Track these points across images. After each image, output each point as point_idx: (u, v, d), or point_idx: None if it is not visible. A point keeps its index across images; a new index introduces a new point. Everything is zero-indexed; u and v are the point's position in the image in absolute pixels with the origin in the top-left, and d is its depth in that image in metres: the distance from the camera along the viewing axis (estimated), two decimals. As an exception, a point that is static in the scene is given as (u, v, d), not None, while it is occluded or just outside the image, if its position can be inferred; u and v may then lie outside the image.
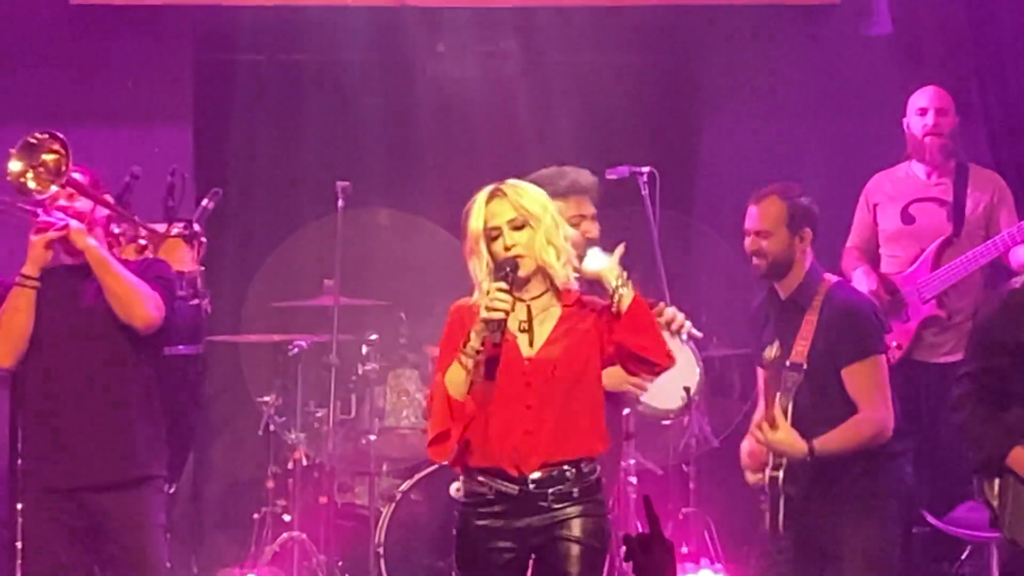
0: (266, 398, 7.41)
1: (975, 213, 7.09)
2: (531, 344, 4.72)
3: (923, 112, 7.15)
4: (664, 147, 7.85)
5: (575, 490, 4.69)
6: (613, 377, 4.94)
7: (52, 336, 5.44)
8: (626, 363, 4.72)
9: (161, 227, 5.87)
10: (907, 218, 7.15)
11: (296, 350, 7.41)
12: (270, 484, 7.35)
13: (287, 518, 7.27)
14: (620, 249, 4.76)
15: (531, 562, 4.73)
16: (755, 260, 5.63)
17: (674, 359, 4.75)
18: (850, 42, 8.03)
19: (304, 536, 7.16)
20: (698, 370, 5.46)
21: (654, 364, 4.69)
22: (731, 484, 5.99)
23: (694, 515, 7.36)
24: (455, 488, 5.07)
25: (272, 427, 7.39)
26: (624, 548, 3.55)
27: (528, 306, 4.74)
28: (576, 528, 4.68)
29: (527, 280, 4.72)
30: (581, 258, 4.83)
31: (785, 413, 5.40)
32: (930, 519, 6.79)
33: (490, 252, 4.70)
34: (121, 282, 5.39)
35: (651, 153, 6.87)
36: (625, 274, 4.67)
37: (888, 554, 5.51)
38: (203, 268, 5.91)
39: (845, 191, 7.34)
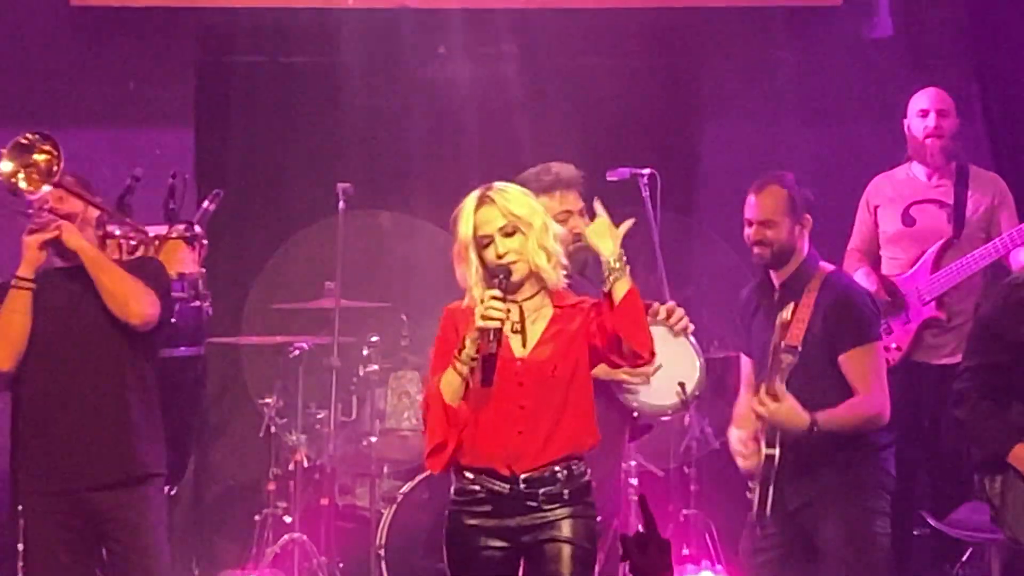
0: (267, 400, 7.41)
1: (976, 215, 7.08)
2: (524, 345, 4.72)
3: (924, 114, 7.13)
4: (665, 149, 7.85)
5: (566, 492, 4.69)
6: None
7: (49, 338, 5.43)
8: (610, 355, 4.70)
9: (162, 229, 5.87)
10: (908, 220, 7.14)
11: (297, 352, 7.41)
12: (271, 486, 7.34)
13: (288, 520, 7.26)
14: (628, 223, 4.75)
15: (522, 563, 4.72)
16: (757, 250, 5.63)
17: (655, 355, 4.73)
18: (851, 44, 8.04)
19: (305, 538, 7.16)
20: (699, 368, 5.45)
21: (637, 355, 4.66)
22: (732, 486, 5.98)
23: (695, 517, 7.36)
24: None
25: (273, 429, 7.39)
26: (621, 548, 3.56)
27: (520, 307, 4.73)
28: (567, 529, 4.67)
29: (520, 284, 4.72)
30: (570, 255, 4.83)
31: None
32: (931, 520, 6.78)
33: (481, 259, 4.69)
34: (116, 280, 5.39)
35: (652, 155, 6.86)
36: (624, 257, 4.66)
37: (873, 545, 5.51)
38: (204, 270, 5.92)
39: (846, 193, 7.34)
